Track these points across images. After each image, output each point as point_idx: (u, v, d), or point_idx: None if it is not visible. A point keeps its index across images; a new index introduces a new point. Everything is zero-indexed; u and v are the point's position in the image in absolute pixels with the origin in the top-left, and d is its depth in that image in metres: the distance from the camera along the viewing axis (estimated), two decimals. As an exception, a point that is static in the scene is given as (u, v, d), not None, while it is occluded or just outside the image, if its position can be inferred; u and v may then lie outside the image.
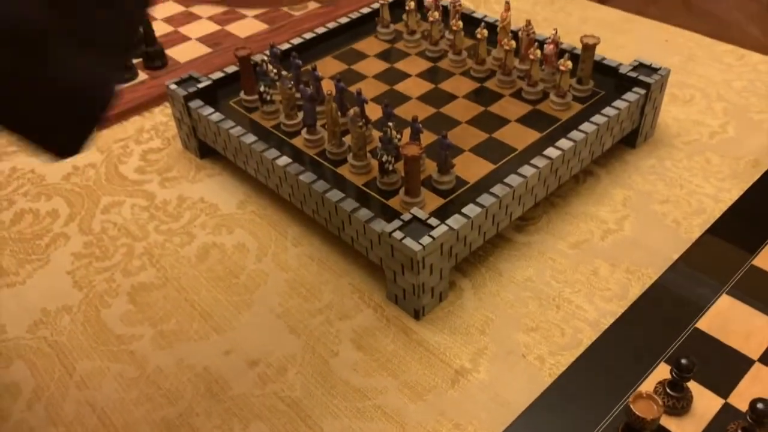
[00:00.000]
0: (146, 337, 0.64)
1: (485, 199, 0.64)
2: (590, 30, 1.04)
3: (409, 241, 0.59)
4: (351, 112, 0.69)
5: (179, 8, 1.14)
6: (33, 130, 0.35)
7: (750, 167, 0.79)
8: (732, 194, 0.75)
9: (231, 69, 0.85)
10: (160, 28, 1.03)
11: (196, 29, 1.08)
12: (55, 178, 0.83)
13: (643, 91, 0.77)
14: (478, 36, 0.82)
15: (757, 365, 0.57)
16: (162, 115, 0.93)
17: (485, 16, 0.92)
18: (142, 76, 0.98)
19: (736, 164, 0.79)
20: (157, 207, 0.78)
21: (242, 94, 0.81)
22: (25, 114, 0.34)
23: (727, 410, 0.53)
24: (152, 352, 0.62)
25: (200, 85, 0.81)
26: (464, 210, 0.63)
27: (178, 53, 1.02)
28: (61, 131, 0.35)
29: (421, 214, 0.62)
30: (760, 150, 0.81)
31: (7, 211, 0.79)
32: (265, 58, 0.82)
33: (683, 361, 0.51)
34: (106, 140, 0.89)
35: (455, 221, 0.62)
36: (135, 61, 0.98)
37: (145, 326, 0.65)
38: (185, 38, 1.06)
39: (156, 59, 0.99)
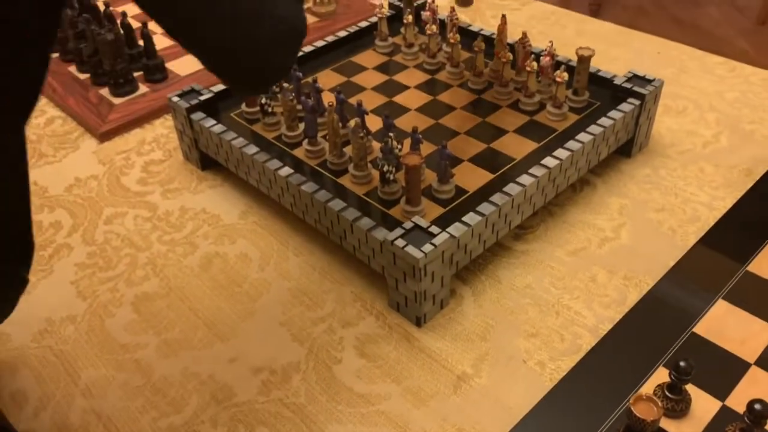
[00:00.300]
0: (151, 345, 0.64)
1: (485, 207, 0.65)
2: (585, 43, 1.05)
3: (411, 249, 0.60)
4: (352, 123, 0.70)
5: (179, 22, 1.15)
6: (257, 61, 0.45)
7: (743, 176, 0.80)
8: (726, 202, 0.76)
9: (232, 82, 0.86)
10: (159, 42, 1.04)
11: (195, 43, 1.09)
12: (58, 189, 0.84)
13: (637, 102, 0.79)
14: (476, 48, 0.84)
15: (754, 368, 0.58)
16: (163, 128, 0.94)
17: (482, 29, 0.94)
18: (143, 89, 0.99)
19: (729, 173, 0.81)
20: (160, 218, 0.79)
21: (243, 106, 0.82)
22: (256, 47, 0.44)
23: (725, 412, 0.54)
24: (157, 360, 0.63)
25: (202, 98, 0.82)
26: (464, 218, 0.64)
27: (178, 66, 1.03)
28: (277, 62, 0.47)
29: (423, 223, 0.63)
30: (752, 159, 0.83)
31: (11, 222, 0.79)
32: (266, 70, 0.83)
33: (682, 363, 0.52)
34: (107, 152, 0.90)
35: (456, 229, 0.63)
36: (135, 74, 1.00)
37: (149, 335, 0.65)
38: (184, 52, 1.07)
39: (156, 72, 1.00)
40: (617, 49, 1.07)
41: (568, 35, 1.11)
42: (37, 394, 0.61)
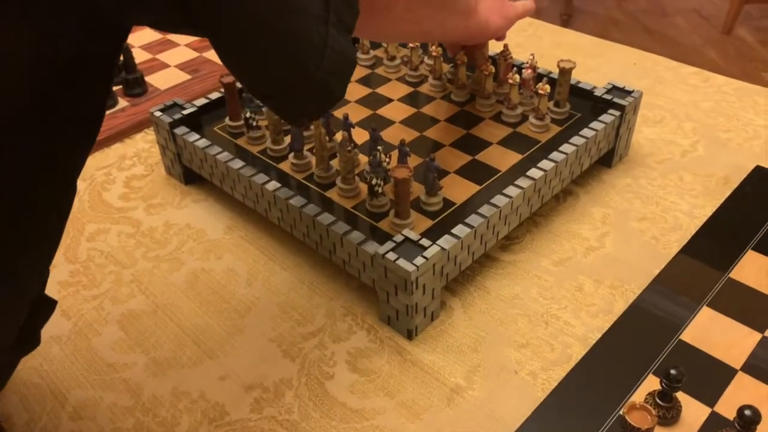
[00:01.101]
0: (139, 364, 0.63)
1: (473, 219, 0.66)
2: (563, 54, 1.07)
3: (402, 262, 0.60)
4: (339, 136, 0.71)
5: (156, 36, 1.14)
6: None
7: (721, 184, 0.82)
8: (706, 210, 0.78)
9: (214, 95, 0.86)
10: (138, 56, 1.03)
11: (174, 56, 1.08)
12: (38, 206, 0.82)
13: (618, 113, 0.80)
14: (458, 62, 0.85)
15: (740, 374, 0.59)
16: (144, 142, 0.93)
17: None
18: (122, 103, 0.98)
19: (707, 182, 0.83)
20: (144, 234, 0.78)
21: (227, 120, 0.82)
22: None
23: (715, 418, 0.55)
24: (146, 379, 0.62)
25: (185, 112, 0.81)
26: (454, 230, 0.64)
27: (158, 80, 1.03)
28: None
29: (413, 236, 0.63)
30: (729, 167, 0.85)
31: (-11, 241, 0.78)
32: (250, 84, 0.83)
33: (672, 371, 0.53)
34: (88, 168, 0.88)
35: (446, 242, 0.63)
36: (115, 88, 0.98)
37: (137, 354, 0.64)
38: (164, 65, 1.06)
39: (136, 86, 0.99)
40: (594, 61, 1.08)
41: (546, 46, 1.13)
42: (23, 419, 0.59)
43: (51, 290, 0.71)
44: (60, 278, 0.73)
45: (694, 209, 0.79)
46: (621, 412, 0.53)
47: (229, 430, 0.58)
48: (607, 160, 0.85)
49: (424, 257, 0.60)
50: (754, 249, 0.71)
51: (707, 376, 0.59)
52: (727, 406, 0.56)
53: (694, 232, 0.75)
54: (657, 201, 0.80)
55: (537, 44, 1.13)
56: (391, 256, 0.61)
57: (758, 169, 0.83)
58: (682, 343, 0.62)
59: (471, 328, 0.66)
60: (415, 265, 0.59)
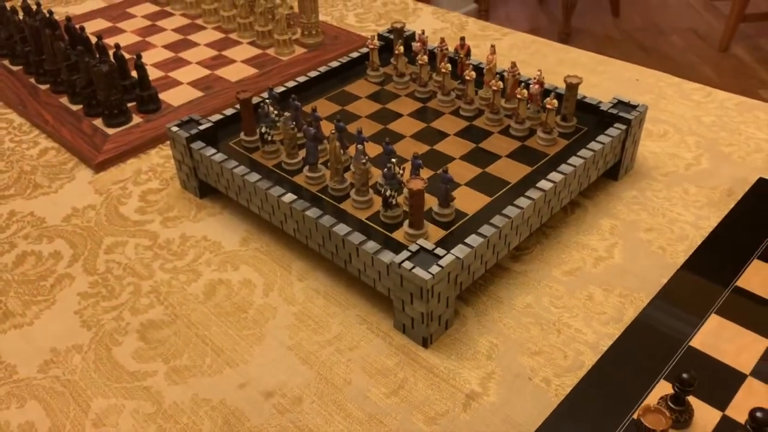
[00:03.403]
0: (160, 373, 0.65)
1: (486, 229, 0.67)
2: (566, 71, 1.09)
3: (418, 271, 0.61)
4: (352, 150, 0.72)
5: (169, 54, 1.17)
6: None
7: (725, 196, 0.84)
8: (711, 221, 0.80)
9: (229, 111, 0.88)
10: (151, 73, 1.05)
11: (186, 74, 1.11)
12: (56, 220, 0.84)
13: (623, 127, 0.82)
14: (466, 78, 0.87)
15: (750, 379, 0.60)
16: (158, 157, 0.95)
17: (470, 59, 0.97)
18: (137, 119, 1.00)
19: (712, 194, 0.84)
20: (161, 246, 0.79)
21: (242, 135, 0.84)
22: None
23: (726, 422, 0.57)
24: (167, 387, 0.63)
25: (201, 127, 0.83)
26: (467, 240, 0.66)
27: (171, 97, 1.05)
28: None
29: (429, 245, 0.65)
30: (732, 179, 0.87)
31: (9, 253, 0.79)
32: (265, 100, 0.85)
33: (685, 375, 0.55)
34: (104, 182, 0.90)
35: (460, 251, 0.65)
36: (129, 105, 1.00)
37: (157, 362, 0.66)
38: (177, 82, 1.08)
39: (150, 103, 1.01)
40: (597, 77, 1.11)
41: (550, 63, 1.15)
42: (46, 426, 0.60)
43: (71, 302, 0.72)
44: (80, 290, 0.74)
45: (699, 220, 0.80)
46: (636, 415, 0.54)
47: (250, 435, 0.59)
48: (613, 172, 0.86)
49: (440, 266, 0.62)
50: (760, 258, 0.73)
51: (717, 382, 0.60)
52: (738, 410, 0.57)
53: (700, 242, 0.77)
54: (663, 212, 0.82)
55: (541, 61, 1.16)
56: (408, 264, 0.62)
57: (761, 181, 0.85)
58: (691, 350, 0.63)
59: (484, 336, 0.67)
60: (431, 273, 0.61)
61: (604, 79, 1.10)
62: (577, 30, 3.17)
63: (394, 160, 0.71)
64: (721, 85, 2.49)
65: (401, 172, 0.72)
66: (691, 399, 0.58)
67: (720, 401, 0.58)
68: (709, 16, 3.18)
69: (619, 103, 0.86)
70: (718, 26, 3.06)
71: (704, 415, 0.58)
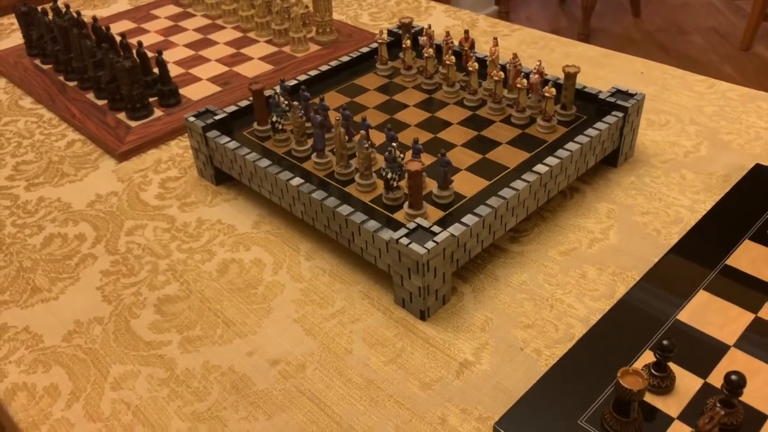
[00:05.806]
0: (174, 342, 0.69)
1: (482, 210, 0.71)
2: (572, 63, 1.12)
3: (415, 246, 0.65)
4: (358, 136, 0.76)
5: (189, 52, 1.22)
6: None
7: (721, 181, 0.86)
8: (706, 205, 0.82)
9: (243, 103, 0.92)
10: (172, 70, 1.11)
11: (206, 70, 1.16)
12: (81, 205, 0.89)
13: (621, 114, 0.85)
14: (469, 69, 0.90)
15: (732, 350, 0.63)
16: (177, 148, 1.00)
17: (475, 52, 1.01)
18: (158, 112, 1.05)
19: (708, 179, 0.87)
20: (178, 229, 0.84)
21: (255, 125, 0.88)
22: None
23: (707, 388, 0.59)
24: (180, 355, 0.68)
25: (216, 117, 0.88)
26: (463, 219, 0.69)
27: (191, 92, 1.10)
28: None
29: (425, 223, 0.68)
30: (729, 166, 0.89)
31: (37, 236, 0.85)
32: (277, 91, 0.89)
33: (665, 342, 0.57)
34: (126, 171, 0.95)
35: (456, 229, 0.68)
36: (151, 99, 1.06)
37: (172, 333, 0.70)
38: (196, 78, 1.13)
39: (171, 98, 1.06)
40: (602, 70, 1.13)
41: (556, 57, 1.18)
42: (69, 388, 0.65)
43: (93, 279, 0.77)
44: (102, 268, 0.79)
45: (695, 204, 0.83)
46: (616, 378, 0.57)
47: (256, 398, 0.63)
48: (612, 159, 0.89)
49: (435, 242, 0.65)
50: (751, 239, 0.75)
51: (701, 352, 0.63)
52: (719, 378, 0.60)
53: (694, 224, 0.79)
54: (660, 197, 0.84)
55: (548, 55, 1.19)
56: (404, 241, 0.66)
57: (758, 167, 0.87)
58: (678, 322, 0.66)
59: (480, 311, 0.70)
60: (426, 248, 0.65)
61: (609, 72, 1.13)
62: (597, 30, 3.18)
63: (394, 144, 0.75)
64: (744, 84, 2.48)
65: (402, 155, 0.76)
66: (675, 367, 0.61)
67: (702, 370, 0.61)
68: (731, 15, 3.16)
69: (618, 92, 0.88)
70: (740, 25, 3.04)
71: (687, 382, 0.60)
